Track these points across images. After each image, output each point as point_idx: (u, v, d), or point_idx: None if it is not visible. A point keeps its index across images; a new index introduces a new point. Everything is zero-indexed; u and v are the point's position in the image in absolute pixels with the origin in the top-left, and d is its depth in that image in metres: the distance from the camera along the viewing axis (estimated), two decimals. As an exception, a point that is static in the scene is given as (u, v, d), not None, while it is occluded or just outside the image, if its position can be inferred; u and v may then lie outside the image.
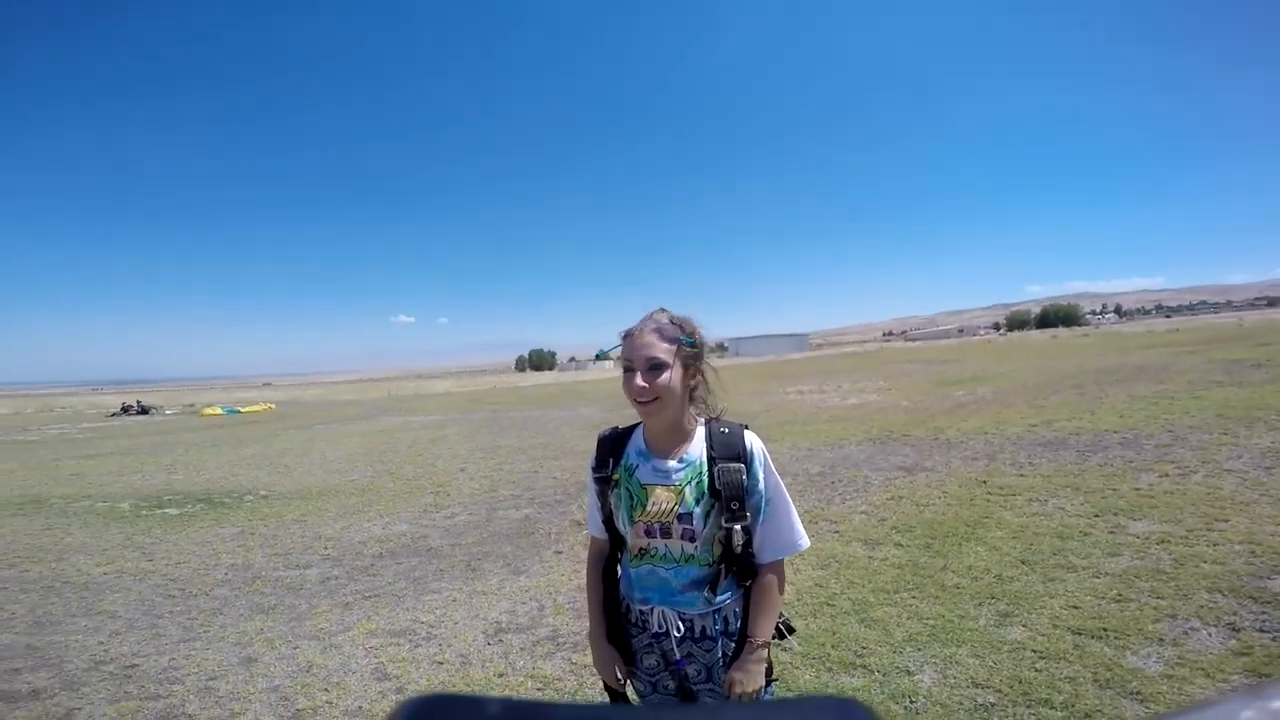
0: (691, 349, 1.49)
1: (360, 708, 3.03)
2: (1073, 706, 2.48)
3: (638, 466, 1.54)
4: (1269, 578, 3.44)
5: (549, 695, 3.02)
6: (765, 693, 1.52)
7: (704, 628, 1.50)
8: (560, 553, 5.13)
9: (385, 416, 21.81)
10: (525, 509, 6.74)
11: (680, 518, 1.46)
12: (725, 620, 1.50)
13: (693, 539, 1.46)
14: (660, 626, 1.52)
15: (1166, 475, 5.65)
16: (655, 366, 1.44)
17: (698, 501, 1.46)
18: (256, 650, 3.72)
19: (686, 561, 1.48)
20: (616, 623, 1.60)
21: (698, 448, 1.51)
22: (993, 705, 2.57)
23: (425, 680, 3.26)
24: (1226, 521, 4.34)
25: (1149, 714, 2.40)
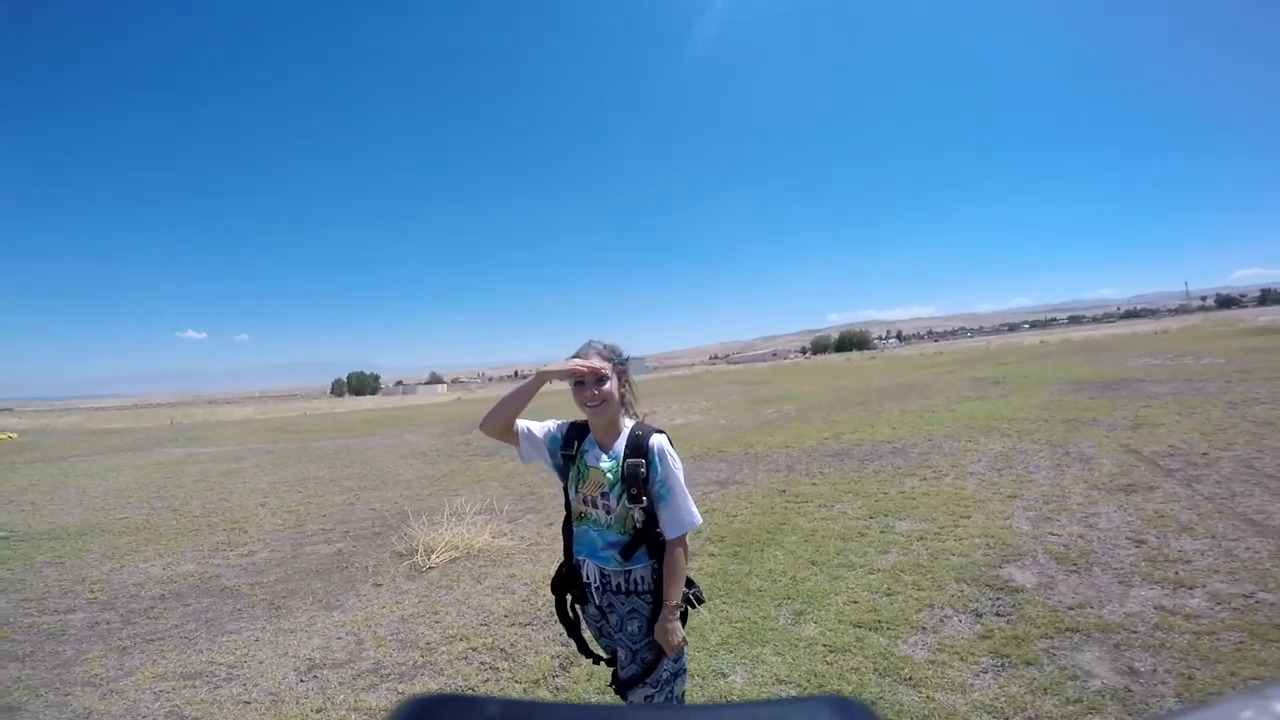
0: (622, 365, 2.02)
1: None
2: (859, 695, 2.78)
3: (587, 452, 2.00)
4: (999, 566, 4.11)
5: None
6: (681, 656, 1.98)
7: (618, 584, 1.93)
8: (380, 585, 4.88)
9: (165, 448, 19.08)
10: (338, 543, 6.30)
11: (603, 495, 1.93)
12: (636, 582, 1.92)
13: (609, 512, 1.92)
14: (587, 578, 1.99)
15: (925, 479, 6.65)
16: (601, 380, 1.92)
17: (613, 486, 1.91)
18: (18, 698, 3.28)
19: (608, 528, 1.93)
20: (573, 570, 2.04)
21: (621, 444, 1.95)
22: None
23: (230, 724, 2.98)
24: (969, 518, 5.17)
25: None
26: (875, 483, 6.69)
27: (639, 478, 1.87)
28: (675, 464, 1.94)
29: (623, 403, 2.01)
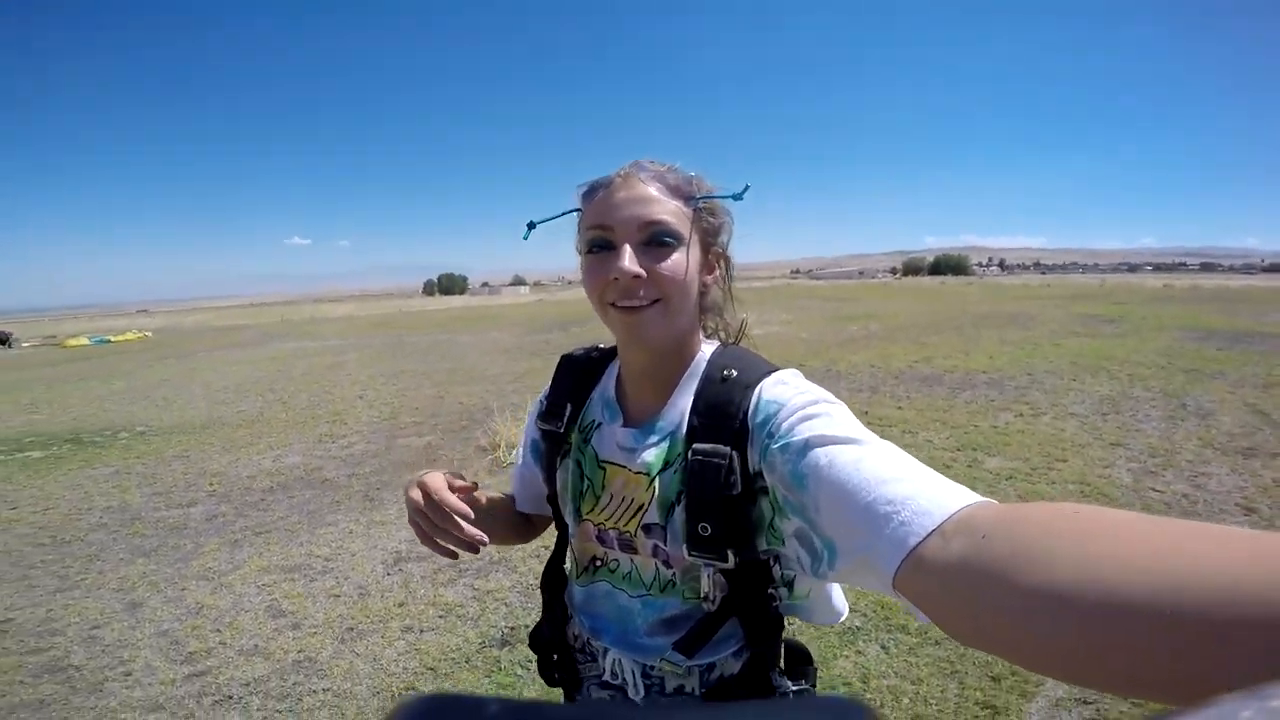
0: (712, 218, 0.83)
1: (256, 646, 3.02)
2: (926, 633, 2.77)
3: (598, 426, 0.89)
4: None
5: (451, 621, 3.11)
6: None
7: (680, 686, 0.83)
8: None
9: (277, 342, 20.61)
10: (428, 436, 6.68)
11: (647, 529, 0.81)
12: (717, 683, 0.83)
13: (668, 563, 0.81)
14: (615, 676, 0.87)
15: (1021, 415, 6.27)
16: (660, 238, 0.76)
17: (671, 506, 0.79)
18: (141, 595, 3.60)
19: (664, 590, 0.83)
20: (561, 640, 0.97)
21: (683, 404, 0.82)
22: (858, 629, 2.84)
23: (322, 615, 3.26)
24: (1065, 461, 4.85)
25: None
26: (965, 413, 6.38)
27: (714, 487, 0.72)
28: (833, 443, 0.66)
29: (703, 304, 0.87)
